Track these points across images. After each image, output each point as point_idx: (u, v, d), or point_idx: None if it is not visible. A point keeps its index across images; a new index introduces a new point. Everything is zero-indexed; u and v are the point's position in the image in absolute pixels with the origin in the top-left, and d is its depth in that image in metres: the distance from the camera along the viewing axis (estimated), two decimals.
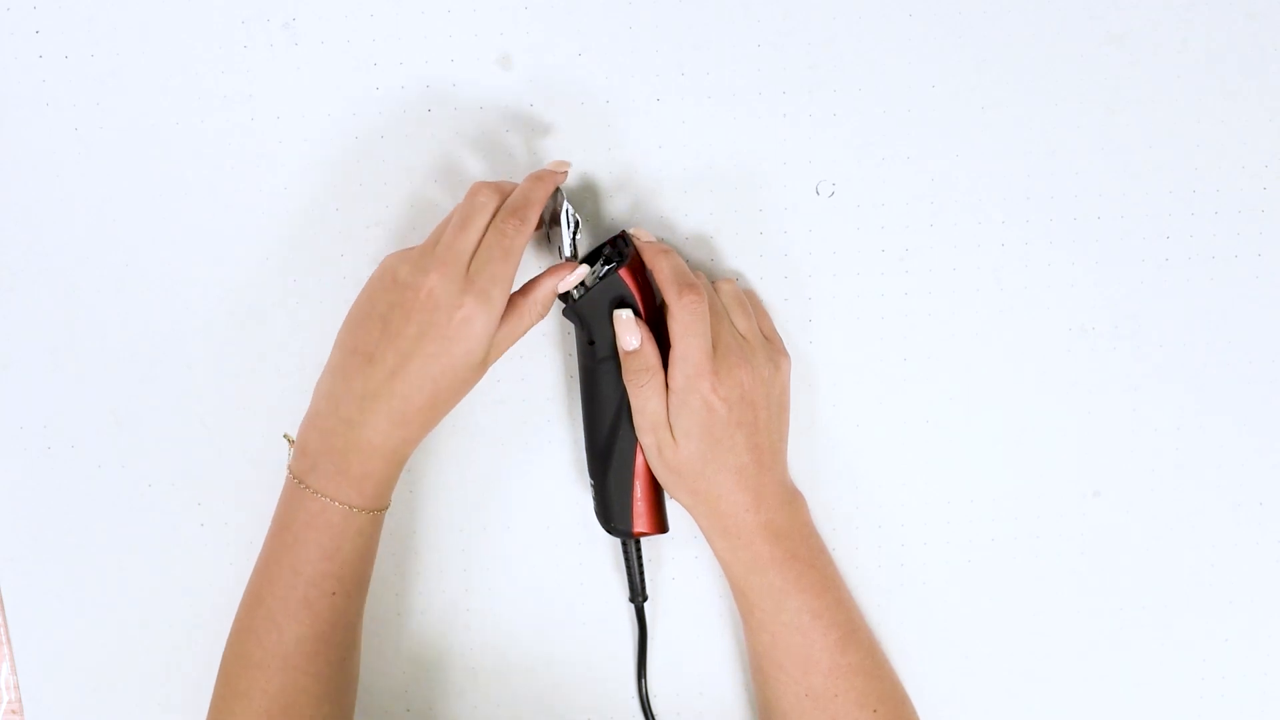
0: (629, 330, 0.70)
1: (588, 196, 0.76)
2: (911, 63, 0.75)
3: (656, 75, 0.75)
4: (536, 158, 0.75)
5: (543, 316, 0.70)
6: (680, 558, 0.79)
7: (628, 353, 0.70)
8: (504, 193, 0.69)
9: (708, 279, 0.74)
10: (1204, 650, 0.80)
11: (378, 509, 0.70)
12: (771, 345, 0.74)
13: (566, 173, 0.71)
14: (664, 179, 0.76)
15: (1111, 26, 0.75)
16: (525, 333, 0.70)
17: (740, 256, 0.77)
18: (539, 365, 0.77)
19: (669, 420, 0.70)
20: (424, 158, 0.75)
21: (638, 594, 0.77)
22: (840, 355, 0.77)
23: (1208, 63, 0.76)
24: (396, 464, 0.69)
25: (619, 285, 0.71)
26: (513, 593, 0.78)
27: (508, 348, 0.70)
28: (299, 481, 0.68)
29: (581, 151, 0.75)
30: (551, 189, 0.69)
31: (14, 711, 0.78)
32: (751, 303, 0.75)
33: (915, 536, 0.79)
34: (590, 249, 0.75)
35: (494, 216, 0.67)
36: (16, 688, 0.78)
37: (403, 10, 0.74)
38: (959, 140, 0.76)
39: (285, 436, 0.72)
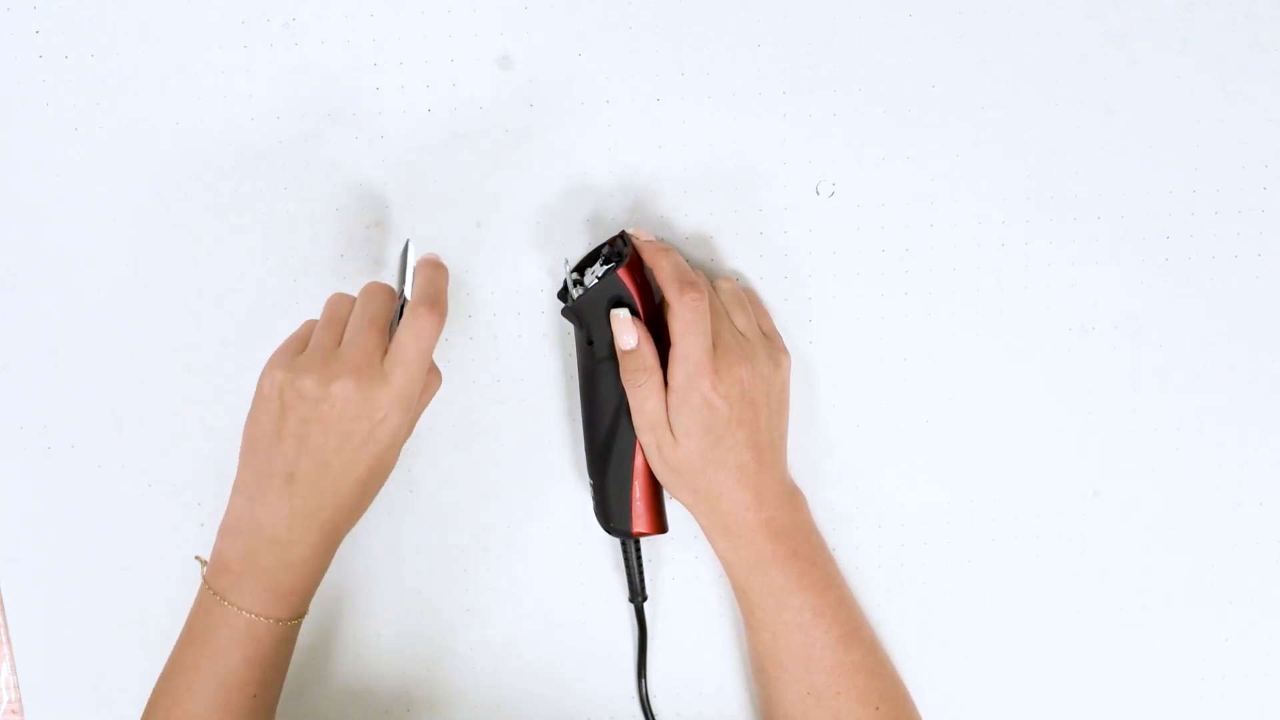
0: (626, 329, 0.70)
1: (588, 196, 0.76)
2: (911, 63, 0.75)
3: (656, 75, 0.75)
4: (537, 158, 0.75)
5: (441, 381, 0.71)
6: (680, 558, 0.79)
7: (625, 352, 0.70)
8: (392, 292, 0.69)
9: (707, 278, 0.74)
10: (1204, 650, 0.80)
11: (301, 617, 0.69)
12: (771, 343, 0.74)
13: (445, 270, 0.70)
14: (664, 179, 0.76)
15: (1111, 26, 0.75)
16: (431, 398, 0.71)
17: (740, 256, 0.77)
18: (539, 365, 0.77)
19: (668, 419, 0.70)
20: (424, 158, 0.75)
21: (637, 594, 0.77)
22: (840, 355, 0.77)
23: (1208, 63, 0.76)
24: (324, 569, 0.69)
25: (617, 285, 0.71)
26: (513, 592, 0.78)
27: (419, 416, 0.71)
28: (221, 599, 0.67)
29: (581, 151, 0.75)
30: (446, 275, 0.69)
31: (14, 711, 0.78)
32: (751, 301, 0.75)
33: (915, 536, 0.79)
34: (590, 249, 0.75)
35: (388, 313, 0.67)
36: (16, 688, 0.78)
37: (403, 10, 0.74)
38: (959, 140, 0.76)
39: (197, 558, 0.71)
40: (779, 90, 0.75)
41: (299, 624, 0.70)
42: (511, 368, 0.77)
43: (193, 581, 0.77)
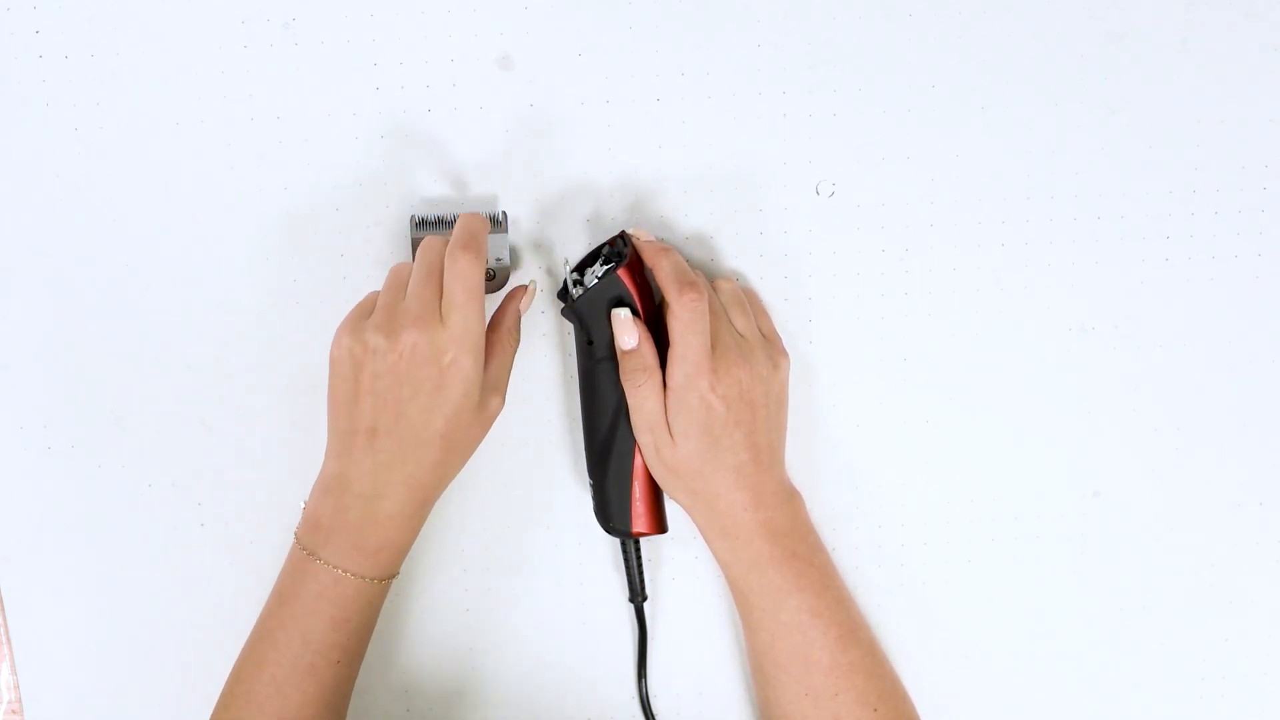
0: (626, 329, 0.70)
1: (588, 196, 0.76)
2: (911, 63, 0.75)
3: (656, 75, 0.75)
4: (537, 158, 0.75)
5: (519, 341, 0.71)
6: (680, 558, 0.79)
7: (625, 352, 0.70)
8: (446, 244, 0.69)
9: (707, 278, 0.74)
10: (1204, 650, 0.80)
11: (390, 577, 0.70)
12: (770, 345, 0.74)
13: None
14: (664, 179, 0.76)
15: (1111, 26, 0.75)
16: (512, 363, 0.71)
17: (740, 256, 0.77)
18: (539, 365, 0.77)
19: (667, 419, 0.70)
20: (424, 158, 0.75)
21: (637, 594, 0.77)
22: (840, 355, 0.77)
23: (1208, 63, 0.76)
24: (414, 530, 0.70)
25: (617, 285, 0.71)
26: (512, 592, 0.78)
27: (506, 382, 0.70)
28: (310, 555, 0.68)
29: (581, 151, 0.75)
30: (486, 221, 0.70)
31: (14, 711, 0.78)
32: (751, 302, 0.75)
33: (915, 536, 0.79)
34: (590, 249, 0.75)
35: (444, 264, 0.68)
36: (16, 688, 0.78)
37: (403, 10, 0.74)
38: (959, 140, 0.76)
39: (304, 505, 0.71)
40: (779, 90, 0.75)
41: (386, 585, 0.70)
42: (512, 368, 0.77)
43: (192, 580, 0.78)
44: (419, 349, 0.65)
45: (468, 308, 0.66)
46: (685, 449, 0.70)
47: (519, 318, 0.71)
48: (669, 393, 0.70)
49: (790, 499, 0.73)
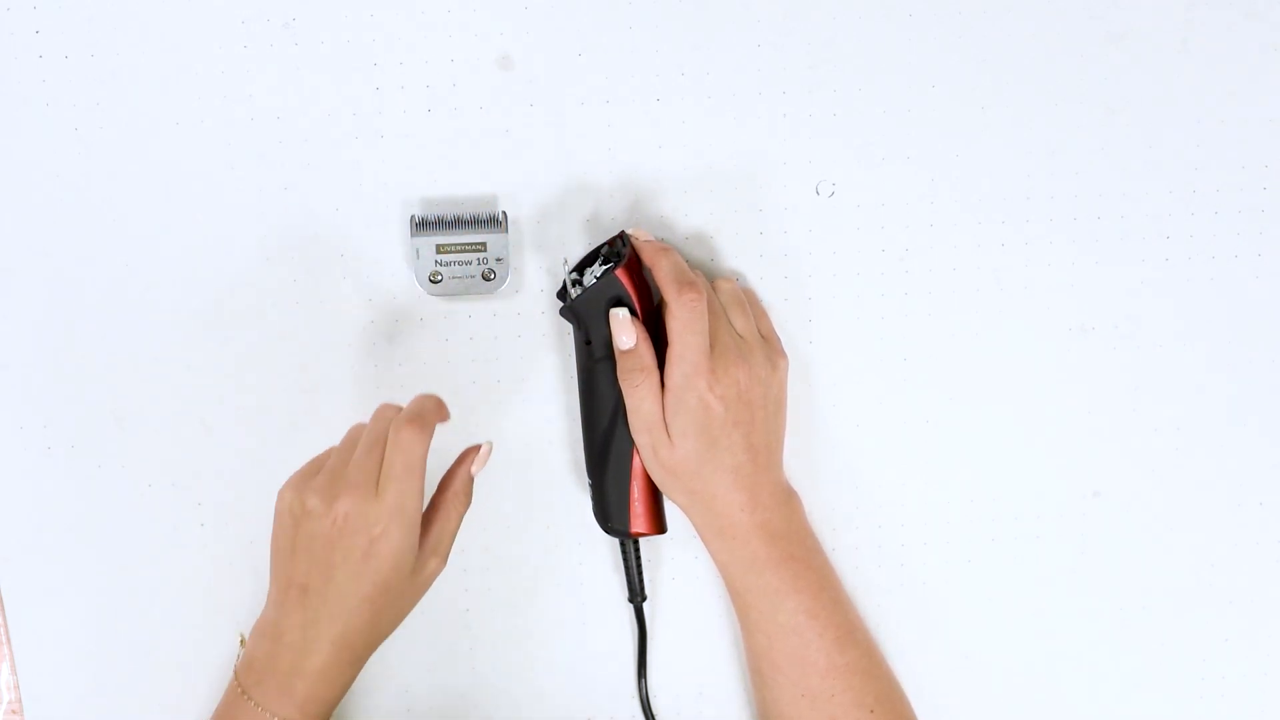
0: (624, 329, 0.70)
1: (588, 196, 0.76)
2: (911, 63, 0.75)
3: (656, 75, 0.75)
4: (537, 158, 0.75)
5: (469, 503, 0.71)
6: (680, 558, 0.79)
7: (622, 352, 0.70)
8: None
9: (707, 278, 0.74)
10: (1204, 650, 0.80)
11: None
12: (769, 345, 0.74)
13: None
14: (664, 179, 0.76)
15: (1111, 26, 0.75)
16: (458, 526, 0.70)
17: (740, 256, 0.77)
18: (538, 365, 0.77)
19: (665, 420, 0.70)
20: (424, 158, 0.75)
21: (636, 594, 0.77)
22: (840, 355, 0.77)
23: (1208, 63, 0.76)
24: (342, 686, 0.69)
25: (615, 285, 0.71)
26: (512, 593, 0.78)
27: (449, 545, 0.70)
28: (244, 693, 0.68)
29: (581, 151, 0.75)
30: (439, 403, 0.69)
31: (14, 711, 0.78)
32: (750, 302, 0.75)
33: (915, 536, 0.79)
34: (590, 249, 0.75)
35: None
36: (16, 688, 0.78)
37: (403, 10, 0.74)
38: (959, 140, 0.76)
39: (239, 636, 0.73)
40: (779, 90, 0.75)
41: None
42: (512, 368, 0.77)
43: (192, 580, 0.78)
44: (351, 519, 0.65)
45: (405, 481, 0.66)
46: (683, 449, 0.70)
47: (470, 480, 0.71)
48: (667, 393, 0.70)
49: (788, 500, 0.73)
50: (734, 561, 0.72)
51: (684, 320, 0.69)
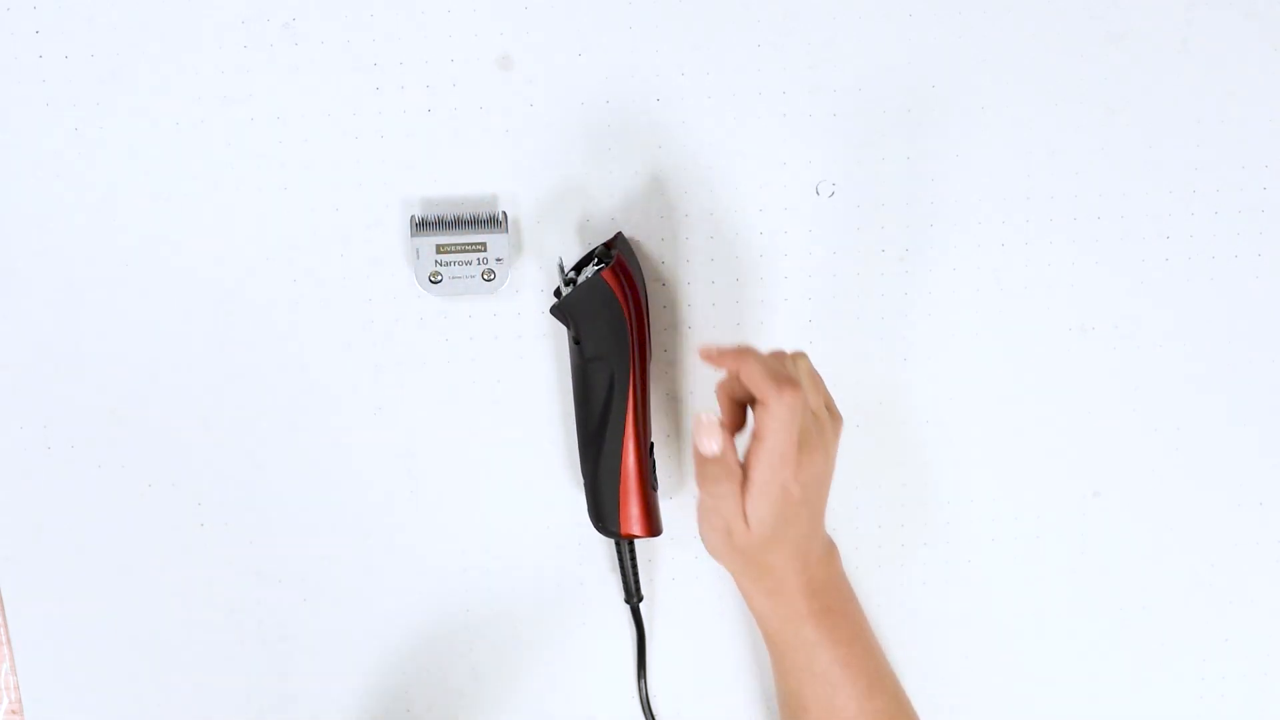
0: (710, 435, 0.67)
1: (588, 197, 0.76)
2: (911, 63, 0.75)
3: (656, 75, 0.75)
4: (536, 158, 0.75)
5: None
6: (679, 558, 0.79)
7: (707, 458, 0.67)
8: None
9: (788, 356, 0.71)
10: (1204, 650, 0.80)
11: None
12: (832, 416, 0.71)
13: None
14: (664, 179, 0.76)
15: (1111, 26, 0.75)
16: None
17: (740, 256, 0.77)
18: (538, 365, 0.77)
19: (744, 510, 0.67)
20: (424, 158, 0.75)
21: (632, 595, 0.77)
22: (840, 355, 0.77)
23: (1208, 63, 0.76)
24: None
25: (601, 287, 0.71)
26: (512, 593, 0.78)
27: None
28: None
29: (581, 151, 0.75)
30: None
31: (14, 711, 0.78)
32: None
33: (915, 537, 0.79)
34: (587, 250, 0.75)
35: None
36: (16, 688, 0.78)
37: (403, 10, 0.74)
38: (959, 140, 0.76)
39: None
40: (779, 90, 0.75)
41: None
42: (511, 367, 0.77)
43: (192, 580, 0.78)
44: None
45: None
46: (759, 533, 0.67)
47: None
48: (750, 484, 0.66)
49: (829, 553, 0.73)
50: (774, 615, 0.71)
51: (783, 419, 0.65)
